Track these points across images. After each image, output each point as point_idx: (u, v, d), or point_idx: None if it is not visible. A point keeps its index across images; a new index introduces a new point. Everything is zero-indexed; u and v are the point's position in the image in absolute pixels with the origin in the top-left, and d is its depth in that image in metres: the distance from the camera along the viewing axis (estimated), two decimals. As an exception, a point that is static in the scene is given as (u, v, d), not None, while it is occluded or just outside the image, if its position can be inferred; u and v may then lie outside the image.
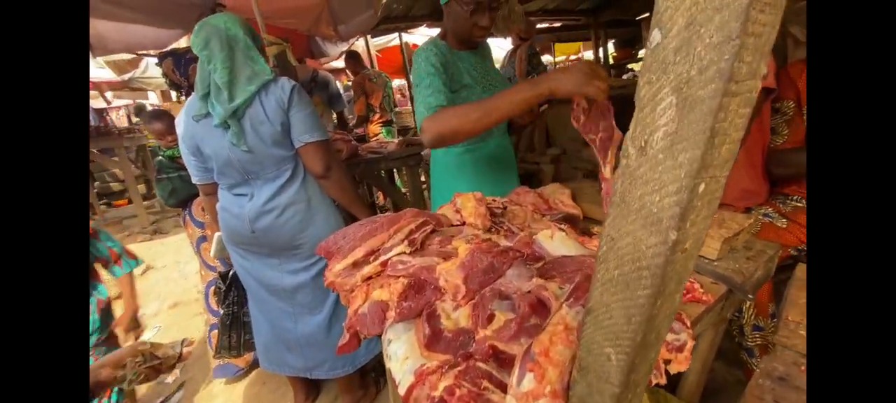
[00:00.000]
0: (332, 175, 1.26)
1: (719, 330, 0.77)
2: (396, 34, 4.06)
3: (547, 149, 3.73)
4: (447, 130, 0.78)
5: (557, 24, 3.59)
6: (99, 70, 5.03)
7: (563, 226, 0.83)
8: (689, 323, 0.44)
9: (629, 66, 3.48)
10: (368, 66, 4.04)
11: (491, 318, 0.47)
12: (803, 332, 0.52)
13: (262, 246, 1.28)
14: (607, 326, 0.29)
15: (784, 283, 0.90)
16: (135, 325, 1.35)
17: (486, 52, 1.23)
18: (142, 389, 1.73)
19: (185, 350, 0.83)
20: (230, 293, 1.47)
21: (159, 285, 2.99)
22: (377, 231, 0.78)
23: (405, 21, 3.21)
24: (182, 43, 2.46)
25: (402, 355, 0.50)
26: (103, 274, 1.32)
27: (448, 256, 0.65)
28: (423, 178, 3.37)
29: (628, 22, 3.55)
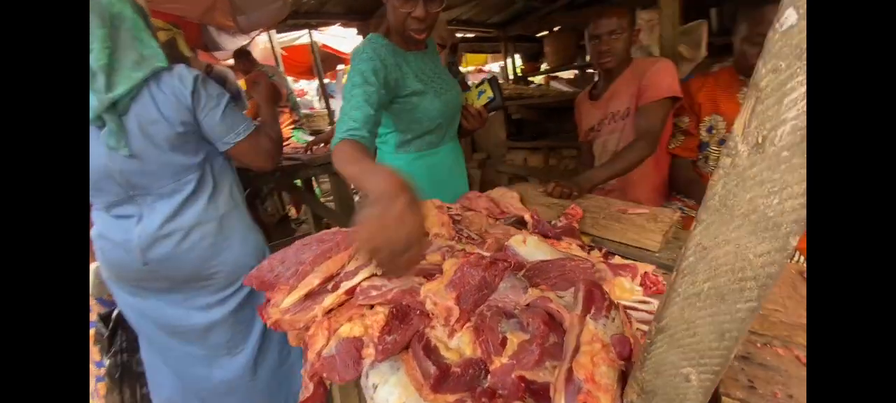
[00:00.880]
0: (281, 159, 1.11)
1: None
2: (306, 31, 3.74)
3: (473, 154, 3.90)
4: (339, 170, 0.73)
5: (470, 35, 3.77)
6: None
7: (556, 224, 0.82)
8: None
9: (531, 78, 3.85)
10: (274, 63, 3.63)
11: (504, 343, 0.42)
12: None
13: (159, 280, 1.00)
14: (688, 345, 0.26)
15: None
16: None
17: (434, 53, 1.18)
18: None
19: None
20: (116, 338, 1.12)
21: None
22: (331, 251, 0.66)
23: (317, 17, 2.98)
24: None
25: (398, 402, 0.41)
26: None
27: (428, 274, 0.58)
28: (352, 186, 3.16)
29: (532, 38, 3.93)
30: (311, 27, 3.49)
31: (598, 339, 0.36)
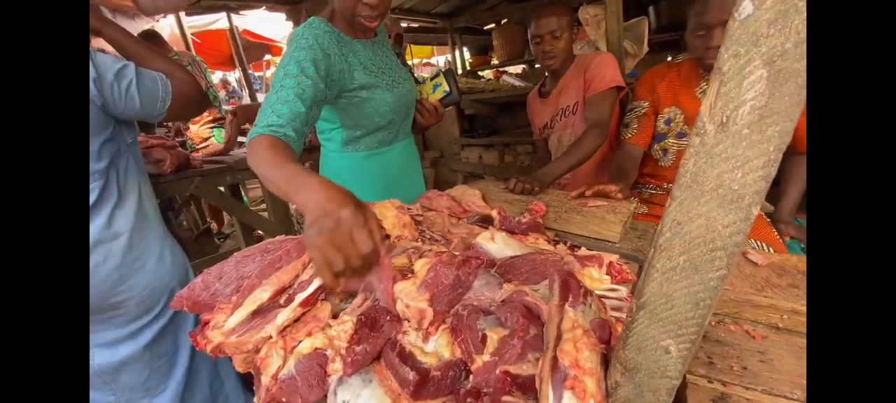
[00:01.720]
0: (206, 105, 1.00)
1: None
2: (223, 14, 3.48)
3: (425, 152, 3.91)
4: (255, 171, 0.67)
5: (415, 25, 3.78)
6: None
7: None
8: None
9: (481, 73, 3.95)
10: (185, 49, 3.33)
11: (484, 340, 0.44)
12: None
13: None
14: (667, 317, 0.29)
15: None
16: None
17: (385, 42, 1.17)
18: None
19: None
20: None
21: None
22: (280, 261, 0.63)
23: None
24: None
25: (374, 417, 0.41)
26: None
27: (395, 278, 0.57)
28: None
29: (480, 30, 4.05)
30: (230, 10, 3.25)
31: (579, 325, 0.39)
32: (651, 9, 2.58)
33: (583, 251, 0.75)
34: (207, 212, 3.24)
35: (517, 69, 3.96)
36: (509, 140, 3.01)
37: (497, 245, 0.71)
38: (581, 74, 1.46)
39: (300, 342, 0.51)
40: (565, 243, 0.89)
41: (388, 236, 0.84)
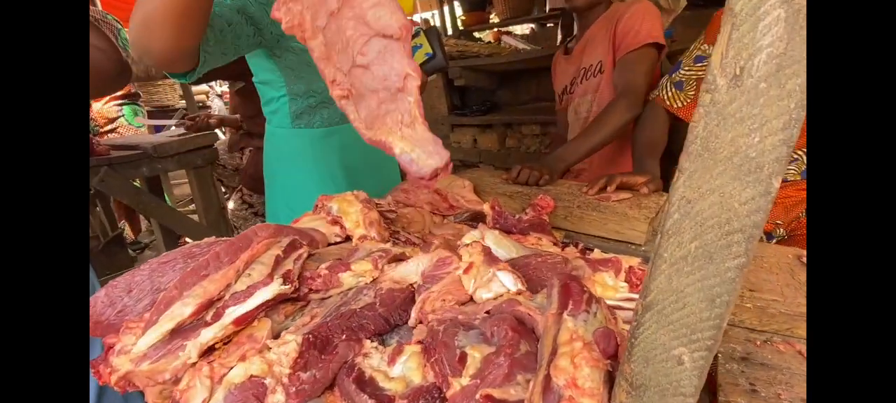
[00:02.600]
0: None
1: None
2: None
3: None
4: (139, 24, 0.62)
5: None
6: None
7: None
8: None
9: (477, 34, 3.95)
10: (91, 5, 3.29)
11: (463, 360, 0.45)
12: (750, 305, 0.70)
13: None
14: (678, 319, 0.31)
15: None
16: None
17: None
18: None
19: None
20: None
21: None
22: (208, 267, 0.63)
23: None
24: None
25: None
26: None
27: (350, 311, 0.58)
28: (222, 189, 2.97)
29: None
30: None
31: (579, 337, 0.40)
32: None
33: (597, 254, 0.77)
34: (118, 214, 3.20)
35: (523, 29, 3.97)
36: (512, 119, 3.03)
37: (488, 245, 0.73)
38: (611, 26, 1.42)
39: (231, 368, 0.51)
40: (576, 245, 0.91)
41: (349, 237, 0.85)
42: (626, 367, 0.34)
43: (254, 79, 1.14)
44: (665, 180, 1.29)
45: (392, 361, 0.50)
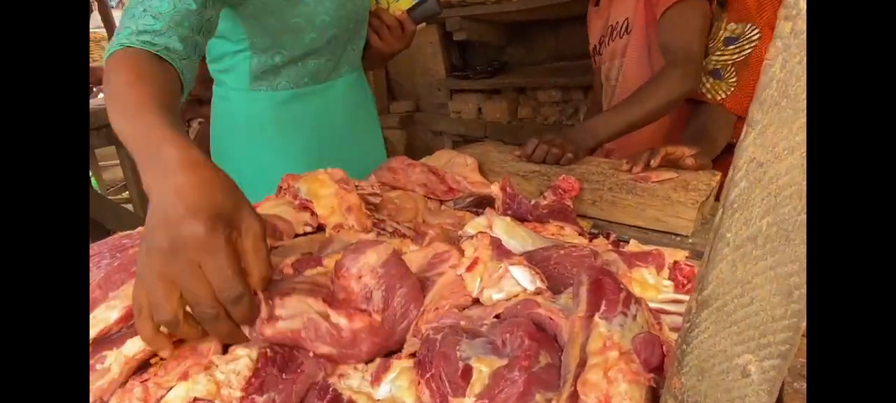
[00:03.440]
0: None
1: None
2: None
3: (390, 103, 3.90)
4: (110, 118, 0.63)
5: None
6: None
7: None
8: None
9: None
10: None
11: (468, 375, 0.44)
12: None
13: None
14: (743, 319, 0.30)
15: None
16: None
17: None
18: None
19: None
20: None
21: None
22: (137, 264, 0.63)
23: None
24: None
25: None
26: None
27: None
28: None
29: None
30: None
31: (614, 345, 0.40)
32: None
33: (633, 245, 0.76)
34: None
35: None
36: (526, 82, 3.01)
37: (497, 235, 0.72)
38: None
39: (170, 389, 0.50)
40: (607, 236, 0.90)
41: (321, 227, 0.84)
42: (675, 381, 0.34)
43: None
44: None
45: (376, 380, 0.50)
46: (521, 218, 0.90)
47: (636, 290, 0.61)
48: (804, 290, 0.28)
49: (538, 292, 0.56)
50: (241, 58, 1.10)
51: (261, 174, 1.11)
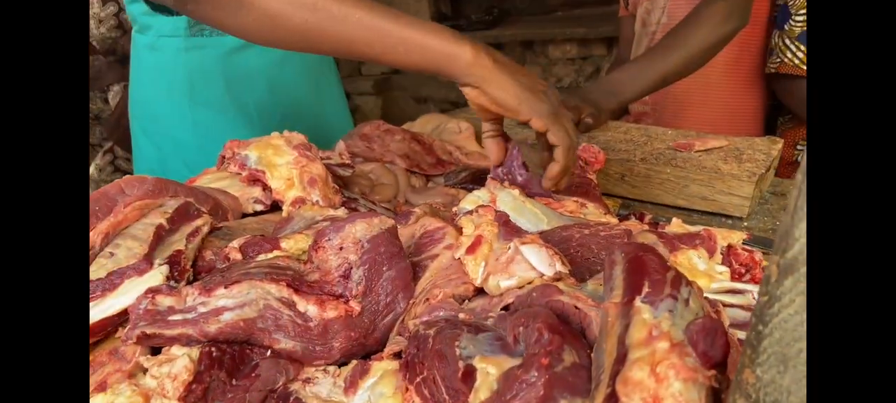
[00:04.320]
0: None
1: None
2: None
3: (360, 64, 3.89)
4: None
5: None
6: None
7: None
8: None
9: None
10: None
11: (470, 377, 0.44)
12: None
13: None
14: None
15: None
16: None
17: None
18: None
19: None
20: None
21: None
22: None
23: None
24: None
25: None
26: None
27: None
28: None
29: None
30: None
31: (663, 335, 0.39)
32: None
33: (676, 225, 0.76)
34: None
35: None
36: (533, 34, 3.01)
37: (502, 210, 0.72)
38: None
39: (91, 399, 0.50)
40: (639, 216, 0.90)
41: (277, 205, 0.84)
42: (747, 375, 0.33)
43: None
44: None
45: (352, 387, 0.49)
46: (531, 196, 0.89)
47: (684, 272, 0.61)
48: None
49: (558, 277, 0.56)
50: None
51: (202, 142, 1.11)
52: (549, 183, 0.80)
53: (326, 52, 0.84)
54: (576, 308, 0.49)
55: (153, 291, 0.55)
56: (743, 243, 0.72)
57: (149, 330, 0.52)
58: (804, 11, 1.37)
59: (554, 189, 0.82)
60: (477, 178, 1.04)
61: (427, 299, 0.58)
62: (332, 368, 0.54)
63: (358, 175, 1.01)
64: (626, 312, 0.43)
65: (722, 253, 0.70)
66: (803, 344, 0.31)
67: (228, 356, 0.51)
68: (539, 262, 0.57)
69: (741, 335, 0.53)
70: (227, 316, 0.52)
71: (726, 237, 0.72)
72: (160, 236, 0.66)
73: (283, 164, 0.85)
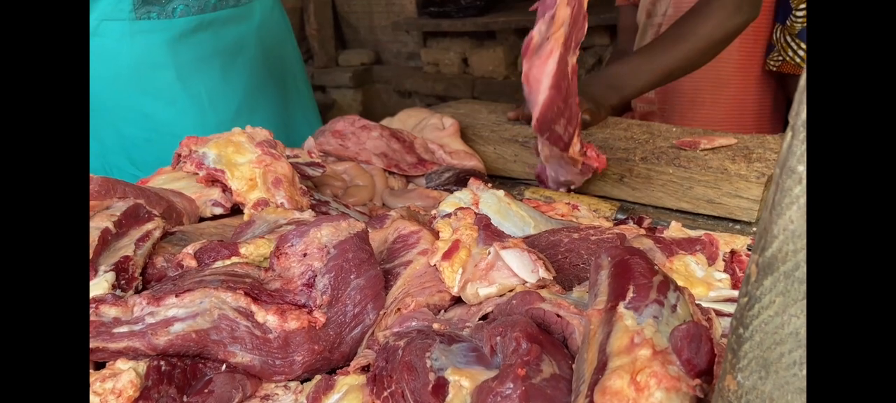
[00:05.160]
0: None
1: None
2: None
3: (338, 55, 3.88)
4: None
5: None
6: None
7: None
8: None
9: None
10: None
11: (441, 390, 0.45)
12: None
13: None
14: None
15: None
16: None
17: None
18: None
19: None
20: None
21: None
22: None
23: None
24: None
25: None
26: None
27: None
28: None
29: None
30: None
31: (646, 342, 0.40)
32: None
33: (675, 229, 0.77)
34: None
35: None
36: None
37: (485, 213, 0.73)
38: None
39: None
40: (638, 221, 0.91)
41: (238, 208, 0.84)
42: (728, 381, 0.34)
43: None
44: None
45: (315, 400, 0.50)
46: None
47: (679, 280, 0.62)
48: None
49: (542, 284, 0.57)
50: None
51: (149, 136, 1.10)
52: None
53: None
54: (558, 316, 0.50)
55: (97, 301, 0.55)
56: (748, 248, 0.73)
57: (92, 344, 0.52)
58: (804, 7, 1.40)
59: None
60: (462, 180, 1.04)
61: (399, 309, 0.59)
62: (293, 384, 0.54)
63: (330, 176, 1.02)
64: (609, 318, 0.44)
65: (724, 260, 0.71)
66: (785, 348, 0.32)
67: (179, 370, 0.51)
68: (521, 268, 0.58)
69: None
70: (177, 327, 0.52)
71: (729, 242, 0.74)
72: (106, 241, 0.65)
73: (244, 163, 0.85)
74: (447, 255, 0.62)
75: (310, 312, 0.56)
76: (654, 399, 0.38)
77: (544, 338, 0.47)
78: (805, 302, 0.31)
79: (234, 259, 0.66)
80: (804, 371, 0.32)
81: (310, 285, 0.58)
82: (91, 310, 0.55)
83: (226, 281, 0.58)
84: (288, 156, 0.92)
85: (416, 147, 1.13)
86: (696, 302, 0.54)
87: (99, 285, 0.60)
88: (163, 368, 0.51)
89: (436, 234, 0.67)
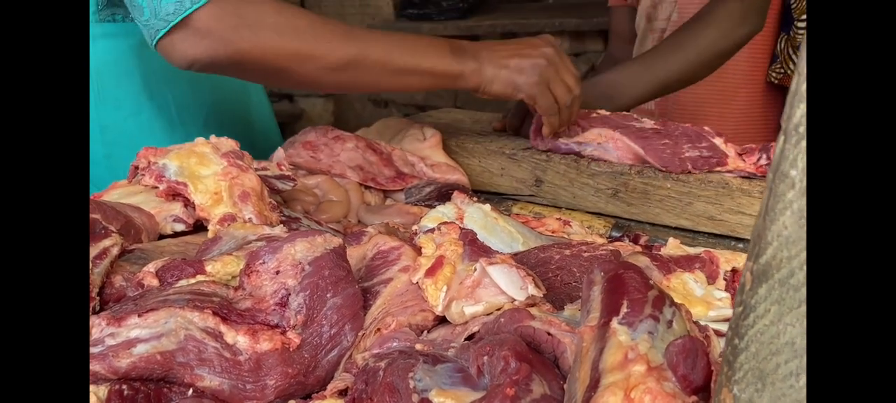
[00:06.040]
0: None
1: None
2: None
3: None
4: (268, 48, 0.98)
5: None
6: None
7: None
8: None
9: None
10: None
11: None
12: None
13: None
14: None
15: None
16: None
17: None
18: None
19: None
20: None
21: None
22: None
23: None
24: None
25: None
26: None
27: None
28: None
29: None
30: None
31: (640, 358, 0.41)
32: None
33: (672, 246, 0.79)
34: None
35: None
36: (516, 24, 3.04)
37: (470, 228, 0.74)
38: None
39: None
40: (634, 239, 0.93)
41: (201, 224, 0.84)
42: (724, 395, 0.36)
43: None
44: None
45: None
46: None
47: (676, 298, 0.64)
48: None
49: (531, 302, 0.58)
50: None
51: (109, 151, 1.10)
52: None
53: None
54: (548, 334, 0.51)
55: (53, 322, 0.56)
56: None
57: (49, 367, 0.53)
58: (805, 18, 1.42)
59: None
60: (444, 195, 1.05)
61: (379, 329, 0.60)
62: (266, 409, 0.55)
63: (301, 190, 1.02)
64: (602, 335, 0.45)
65: (725, 278, 0.72)
66: (781, 358, 0.34)
67: (142, 395, 0.51)
68: (509, 285, 0.60)
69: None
70: (140, 349, 0.53)
71: (731, 260, 0.75)
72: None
73: (209, 175, 0.86)
74: (430, 272, 0.63)
75: (283, 333, 0.56)
76: (648, 414, 0.39)
77: (534, 358, 0.48)
78: (800, 309, 0.33)
79: (200, 277, 0.66)
80: (801, 382, 0.34)
81: (283, 304, 0.58)
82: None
83: (192, 300, 0.58)
84: (256, 169, 0.93)
85: (394, 159, 1.14)
86: (695, 320, 0.56)
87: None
88: (125, 392, 0.51)
89: (418, 250, 0.68)
